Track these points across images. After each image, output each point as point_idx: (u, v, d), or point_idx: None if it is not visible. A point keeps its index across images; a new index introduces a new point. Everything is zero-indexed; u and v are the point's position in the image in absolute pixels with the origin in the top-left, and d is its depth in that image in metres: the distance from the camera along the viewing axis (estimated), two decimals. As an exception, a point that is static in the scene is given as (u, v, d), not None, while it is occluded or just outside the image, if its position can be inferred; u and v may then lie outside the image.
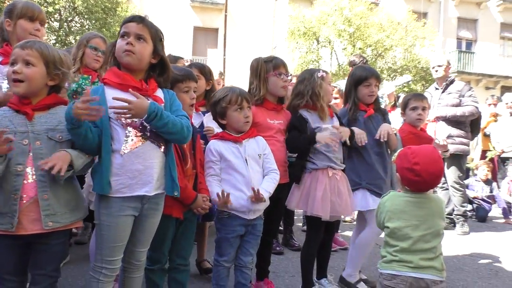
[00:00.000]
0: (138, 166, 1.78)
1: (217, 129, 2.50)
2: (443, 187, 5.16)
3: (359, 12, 15.43)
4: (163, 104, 1.90)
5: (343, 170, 2.68)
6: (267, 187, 2.28)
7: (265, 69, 2.60)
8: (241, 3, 19.19)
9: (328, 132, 2.55)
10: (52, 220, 1.69)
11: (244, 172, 2.24)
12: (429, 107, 4.58)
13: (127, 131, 1.77)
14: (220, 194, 2.15)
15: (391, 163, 2.71)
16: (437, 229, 1.91)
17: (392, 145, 2.88)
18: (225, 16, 17.56)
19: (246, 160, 2.26)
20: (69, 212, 1.76)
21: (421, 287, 1.82)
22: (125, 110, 1.69)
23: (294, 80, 3.88)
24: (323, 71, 2.67)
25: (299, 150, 2.63)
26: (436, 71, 5.05)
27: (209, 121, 2.74)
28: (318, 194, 2.49)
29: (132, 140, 1.78)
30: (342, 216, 3.65)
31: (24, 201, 1.67)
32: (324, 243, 2.72)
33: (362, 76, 2.86)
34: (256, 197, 2.19)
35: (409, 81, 5.61)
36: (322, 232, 2.63)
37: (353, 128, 2.69)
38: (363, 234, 2.83)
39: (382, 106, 4.86)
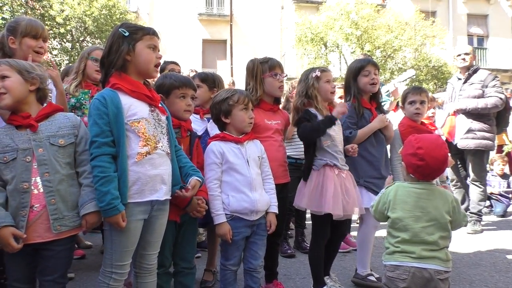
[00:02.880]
0: (151, 172, 1.83)
1: None
2: (457, 185, 4.95)
3: (366, 15, 15.36)
4: (167, 116, 2.00)
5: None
6: (274, 201, 2.37)
7: (261, 70, 2.62)
8: (247, 14, 19.37)
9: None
10: (61, 224, 1.74)
11: (246, 173, 2.24)
12: (431, 100, 4.48)
13: (140, 139, 1.82)
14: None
15: (398, 157, 2.72)
16: (441, 222, 1.87)
17: (389, 137, 2.91)
18: (231, 26, 17.71)
19: (247, 161, 2.27)
20: (76, 216, 1.80)
21: (424, 277, 1.79)
22: None
23: None
24: (320, 70, 2.67)
25: (319, 132, 2.49)
26: (463, 59, 4.68)
27: (213, 127, 2.77)
28: (329, 192, 2.45)
29: (144, 147, 1.82)
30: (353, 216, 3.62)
31: (38, 210, 1.72)
32: (332, 243, 2.70)
33: (358, 66, 2.86)
34: None
35: (413, 75, 5.50)
36: (329, 230, 2.61)
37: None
38: (360, 232, 2.85)
39: (388, 104, 4.81)
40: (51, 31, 12.58)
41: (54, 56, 13.00)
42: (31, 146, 1.74)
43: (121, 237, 1.79)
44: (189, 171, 2.04)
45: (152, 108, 1.91)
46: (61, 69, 5.72)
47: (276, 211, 2.36)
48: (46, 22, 12.83)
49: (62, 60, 13.40)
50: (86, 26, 13.61)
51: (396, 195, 1.95)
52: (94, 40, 14.32)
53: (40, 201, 1.72)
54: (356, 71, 2.87)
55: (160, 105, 1.97)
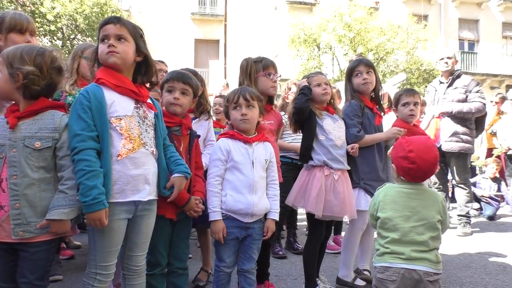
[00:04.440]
0: (133, 172, 1.77)
1: None
2: (439, 188, 4.94)
3: (359, 17, 15.44)
4: (156, 112, 1.94)
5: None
6: (275, 208, 2.32)
7: (255, 69, 2.61)
8: (240, 14, 19.36)
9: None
10: (24, 230, 1.63)
11: (249, 174, 2.20)
12: (423, 103, 4.52)
13: (121, 137, 1.75)
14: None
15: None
16: (431, 222, 1.87)
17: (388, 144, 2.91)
18: (225, 25, 17.70)
19: (252, 162, 2.23)
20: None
21: (414, 278, 1.78)
22: None
23: (294, 88, 3.92)
24: (309, 76, 2.74)
25: (300, 104, 2.55)
26: (446, 63, 4.75)
27: (199, 127, 2.75)
28: (314, 191, 2.49)
29: (126, 146, 1.76)
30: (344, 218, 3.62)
31: (6, 211, 1.64)
32: (321, 244, 2.70)
33: (350, 67, 2.92)
34: None
35: (404, 79, 5.53)
36: (324, 231, 2.63)
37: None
38: (346, 233, 2.85)
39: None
40: (41, 29, 12.45)
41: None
42: (5, 143, 1.66)
43: (104, 237, 1.74)
44: (171, 166, 1.98)
45: (138, 105, 1.85)
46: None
47: (277, 218, 2.32)
48: (37, 19, 12.70)
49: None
50: (77, 24, 13.51)
51: (386, 196, 1.94)
52: (85, 38, 14.20)
53: (7, 203, 1.64)
54: (349, 72, 2.94)
55: (149, 101, 1.92)
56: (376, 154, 2.82)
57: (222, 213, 2.18)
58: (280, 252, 3.62)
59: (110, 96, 1.76)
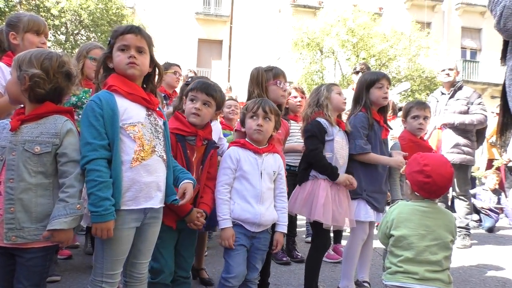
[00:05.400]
0: (146, 179, 1.77)
1: None
2: (439, 199, 4.97)
3: (363, 23, 15.47)
4: (165, 120, 1.95)
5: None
6: (284, 220, 2.33)
7: (265, 78, 2.63)
8: (245, 15, 19.37)
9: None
10: (17, 235, 1.61)
11: (257, 185, 2.20)
12: (431, 116, 4.53)
13: (135, 144, 1.75)
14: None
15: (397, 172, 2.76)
16: (445, 242, 1.87)
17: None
18: (230, 27, 17.71)
19: (261, 173, 2.23)
20: (42, 229, 1.64)
21: None
22: None
23: (293, 92, 3.92)
24: (331, 84, 2.79)
25: (325, 171, 2.59)
26: (448, 74, 4.75)
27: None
28: (320, 200, 2.52)
29: (140, 153, 1.76)
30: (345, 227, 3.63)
31: (1, 214, 1.62)
32: None
33: (373, 78, 2.89)
34: None
35: (408, 88, 5.55)
36: (330, 240, 2.64)
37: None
38: (347, 244, 2.86)
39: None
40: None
41: (47, 48, 12.83)
42: (6, 145, 1.66)
43: (112, 245, 1.73)
44: (178, 174, 1.96)
45: (150, 112, 1.85)
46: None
47: (285, 230, 2.34)
48: (41, 13, 12.67)
49: (55, 53, 13.23)
50: (82, 19, 13.49)
51: (400, 213, 1.93)
52: (88, 34, 14.19)
53: (2, 206, 1.63)
54: (370, 82, 2.89)
55: (158, 109, 1.92)
56: (379, 166, 2.83)
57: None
58: (284, 258, 3.62)
59: (123, 103, 1.76)
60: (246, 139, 2.32)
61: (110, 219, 1.64)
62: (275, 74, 2.66)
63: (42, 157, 1.66)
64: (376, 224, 2.92)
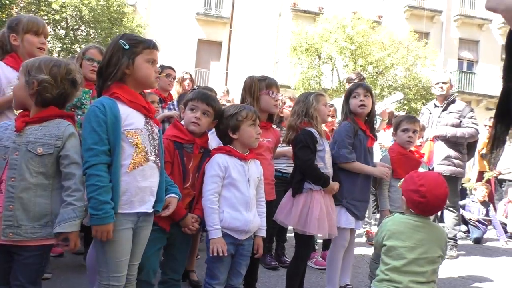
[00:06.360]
0: (141, 184, 1.83)
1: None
2: None
3: (361, 30, 15.58)
4: (160, 128, 2.02)
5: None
6: (264, 225, 2.37)
7: (258, 87, 2.67)
8: (245, 18, 19.42)
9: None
10: (14, 232, 1.68)
11: (245, 192, 2.21)
12: (422, 129, 4.61)
13: (134, 150, 1.81)
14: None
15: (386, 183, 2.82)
16: (433, 256, 1.94)
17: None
18: (230, 31, 17.76)
19: (248, 180, 2.25)
20: (38, 227, 1.72)
21: None
22: None
23: (289, 102, 3.98)
24: (317, 93, 2.79)
25: (313, 178, 2.62)
26: (441, 87, 4.83)
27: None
28: (315, 214, 2.55)
29: (137, 158, 1.82)
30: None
31: (1, 211, 1.69)
32: None
33: (350, 88, 3.01)
34: None
35: (401, 99, 5.62)
36: (311, 249, 2.68)
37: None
38: (329, 252, 2.93)
39: (379, 122, 4.91)
40: (45, 17, 12.40)
41: (47, 46, 12.81)
42: (9, 145, 1.73)
43: (114, 247, 1.78)
44: (167, 186, 2.02)
45: (147, 120, 1.92)
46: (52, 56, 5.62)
47: (264, 235, 2.37)
48: (42, 8, 12.66)
49: (54, 47, 13.23)
50: (82, 15, 13.47)
51: (393, 225, 2.02)
52: (88, 30, 14.18)
53: (2, 204, 1.69)
54: (348, 92, 3.03)
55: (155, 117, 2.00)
56: (363, 175, 2.90)
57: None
58: (273, 263, 3.66)
59: (124, 110, 1.82)
60: (229, 145, 2.31)
61: (109, 222, 1.70)
62: (268, 84, 2.70)
63: (44, 158, 1.73)
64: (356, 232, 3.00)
